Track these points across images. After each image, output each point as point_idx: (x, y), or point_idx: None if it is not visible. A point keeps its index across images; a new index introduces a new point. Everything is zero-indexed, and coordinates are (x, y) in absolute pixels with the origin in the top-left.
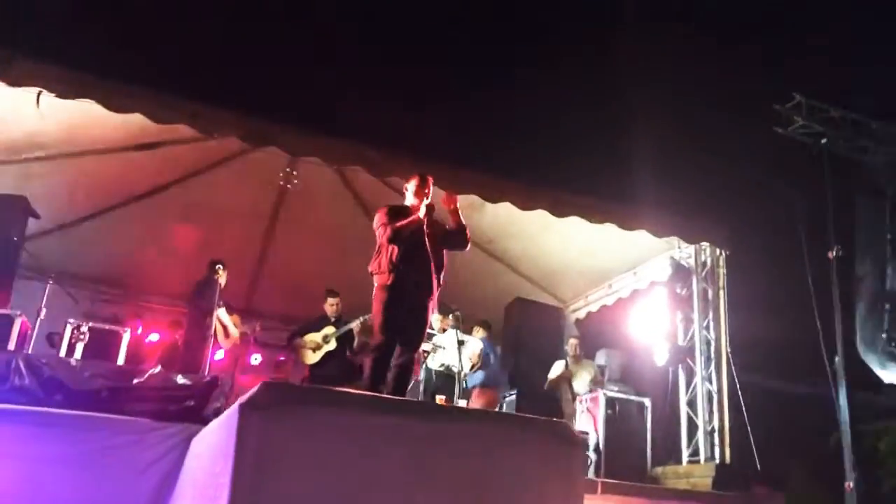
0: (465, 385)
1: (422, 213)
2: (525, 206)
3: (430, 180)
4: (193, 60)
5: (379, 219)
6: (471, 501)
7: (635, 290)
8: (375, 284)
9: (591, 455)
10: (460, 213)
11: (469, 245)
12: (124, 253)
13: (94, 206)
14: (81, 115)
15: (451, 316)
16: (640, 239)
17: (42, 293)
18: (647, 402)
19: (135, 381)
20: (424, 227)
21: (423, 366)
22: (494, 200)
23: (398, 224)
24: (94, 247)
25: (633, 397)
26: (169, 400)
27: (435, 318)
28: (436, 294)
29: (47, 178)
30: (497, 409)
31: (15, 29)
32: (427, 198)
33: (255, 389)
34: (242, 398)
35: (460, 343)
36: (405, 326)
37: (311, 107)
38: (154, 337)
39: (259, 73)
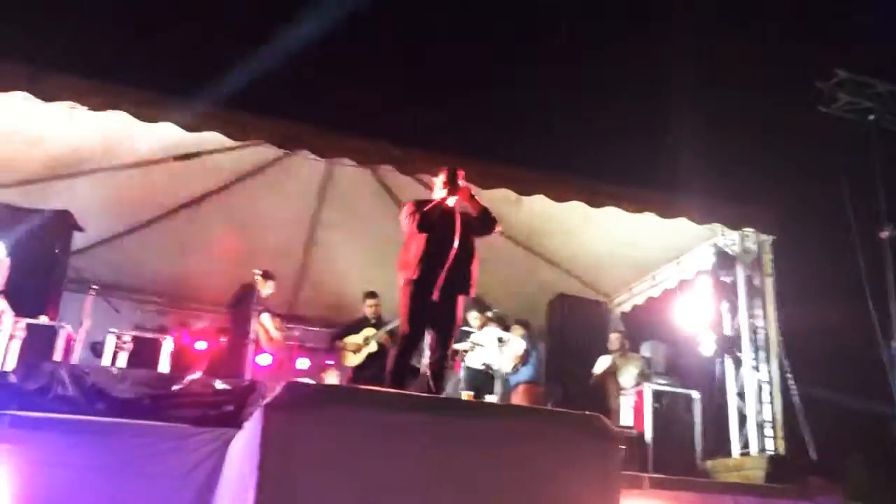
0: (508, 383)
1: (451, 202)
2: (559, 197)
3: (461, 174)
4: (221, 68)
5: (406, 210)
6: (502, 499)
7: (681, 280)
8: (402, 279)
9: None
10: (478, 199)
11: (497, 226)
12: (170, 263)
13: (138, 218)
14: (120, 128)
15: (488, 313)
16: (683, 227)
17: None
18: (695, 394)
19: (175, 387)
20: (455, 219)
21: (463, 364)
22: (527, 193)
23: (425, 208)
24: (140, 258)
25: (680, 390)
26: (208, 405)
27: (473, 316)
28: (468, 287)
29: (91, 193)
30: (538, 404)
31: (45, 45)
32: (456, 191)
33: (278, 390)
34: (267, 399)
35: (500, 340)
36: (437, 319)
37: (339, 108)
38: (202, 344)
39: (286, 78)
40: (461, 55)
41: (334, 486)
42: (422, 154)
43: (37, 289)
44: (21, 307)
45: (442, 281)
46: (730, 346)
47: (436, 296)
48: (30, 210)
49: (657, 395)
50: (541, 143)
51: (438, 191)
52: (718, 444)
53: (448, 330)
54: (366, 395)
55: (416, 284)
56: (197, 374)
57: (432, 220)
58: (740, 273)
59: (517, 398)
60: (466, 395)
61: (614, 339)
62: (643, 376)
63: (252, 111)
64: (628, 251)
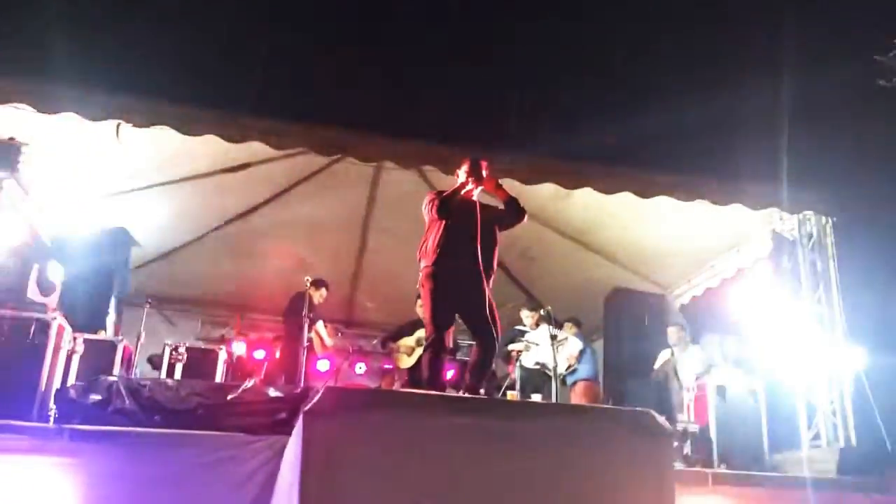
0: (565, 382)
1: (474, 193)
2: (607, 189)
3: (484, 164)
4: (259, 78)
5: (426, 199)
6: (551, 500)
7: (740, 268)
8: (421, 272)
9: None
10: (505, 188)
11: (525, 215)
12: (226, 274)
13: (193, 231)
14: (170, 144)
15: (542, 311)
16: (740, 214)
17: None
18: (761, 386)
19: (229, 397)
20: (475, 209)
21: (518, 364)
22: (573, 187)
23: (444, 194)
24: (197, 270)
25: (743, 382)
26: (262, 413)
27: (526, 315)
28: (492, 276)
29: (146, 209)
30: (595, 402)
31: (88, 66)
32: (481, 181)
33: (318, 396)
34: (307, 405)
35: (553, 338)
36: (468, 315)
37: (379, 112)
38: (260, 353)
39: (324, 84)
40: (499, 50)
41: (378, 491)
42: (464, 151)
43: (97, 305)
44: (82, 323)
45: (465, 271)
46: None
47: (460, 288)
48: (87, 228)
49: (720, 389)
50: (586, 134)
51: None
52: (786, 436)
53: (481, 320)
54: (406, 398)
55: (435, 276)
56: (250, 383)
57: (451, 207)
58: (801, 258)
59: (576, 397)
60: (511, 395)
61: (673, 332)
62: (705, 370)
63: (292, 119)
64: (685, 241)
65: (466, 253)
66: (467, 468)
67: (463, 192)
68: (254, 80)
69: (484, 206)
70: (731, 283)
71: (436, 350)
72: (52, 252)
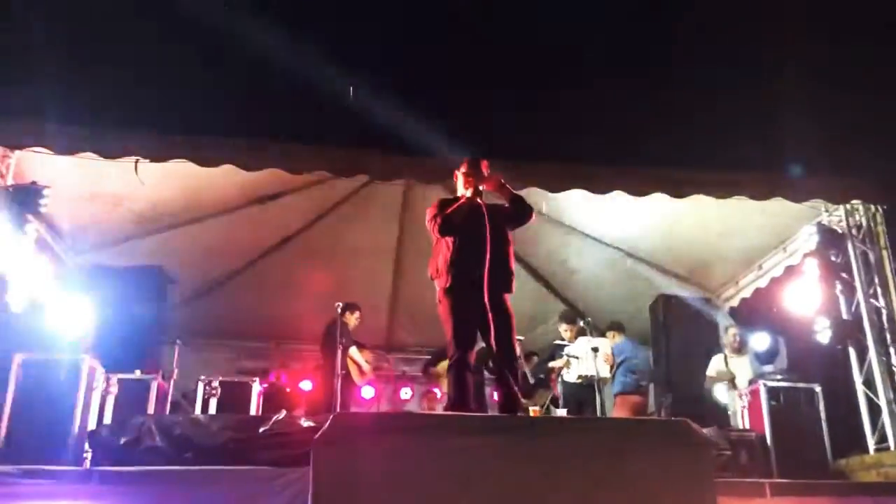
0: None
1: (469, 193)
2: (638, 191)
3: (484, 163)
4: (272, 104)
5: (429, 214)
6: None
7: (788, 266)
8: (438, 292)
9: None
10: (509, 187)
11: (532, 213)
12: (264, 306)
13: (228, 264)
14: (196, 179)
15: (580, 324)
16: (785, 209)
17: (184, 355)
18: (817, 387)
19: (261, 429)
20: (483, 214)
21: (560, 380)
22: (604, 191)
23: (446, 212)
24: (235, 304)
25: (799, 384)
26: (294, 445)
27: (563, 329)
28: (509, 284)
29: (180, 245)
30: (643, 415)
31: (101, 106)
32: (481, 183)
33: (327, 424)
34: (318, 434)
35: (594, 350)
36: (486, 328)
37: (394, 130)
38: (306, 384)
39: (338, 106)
40: (525, 57)
41: None
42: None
43: (133, 344)
44: (119, 363)
45: (482, 283)
46: (850, 331)
47: (478, 302)
48: (123, 268)
49: (774, 392)
50: (611, 136)
51: (461, 187)
52: (851, 440)
53: (506, 335)
54: (418, 420)
55: (453, 294)
56: (282, 415)
57: (454, 223)
58: (852, 251)
59: (617, 410)
60: (533, 410)
61: (726, 336)
62: (758, 374)
63: (307, 143)
64: (729, 242)
65: (481, 264)
66: (485, 489)
67: (466, 198)
68: (268, 107)
69: (491, 209)
70: (780, 282)
71: (460, 369)
72: (84, 292)
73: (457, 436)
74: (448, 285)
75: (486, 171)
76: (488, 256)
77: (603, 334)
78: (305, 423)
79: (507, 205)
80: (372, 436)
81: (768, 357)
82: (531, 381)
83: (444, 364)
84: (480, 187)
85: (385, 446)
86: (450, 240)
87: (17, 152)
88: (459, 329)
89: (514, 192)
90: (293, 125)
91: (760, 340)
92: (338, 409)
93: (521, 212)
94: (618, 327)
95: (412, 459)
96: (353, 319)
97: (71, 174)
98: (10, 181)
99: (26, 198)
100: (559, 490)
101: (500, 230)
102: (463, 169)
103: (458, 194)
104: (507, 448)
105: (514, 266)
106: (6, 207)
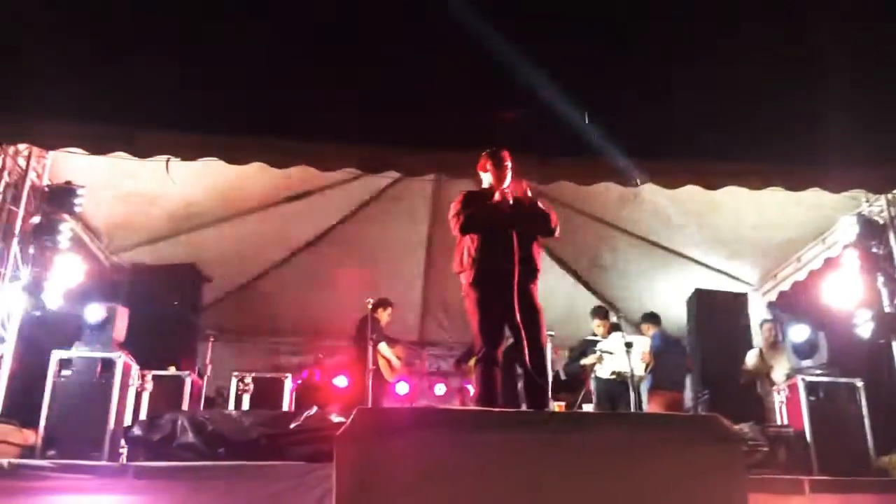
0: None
1: (499, 195)
2: (670, 184)
3: (506, 154)
4: (302, 102)
5: (452, 209)
6: None
7: (828, 258)
8: (463, 287)
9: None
10: (535, 202)
11: (556, 230)
12: (299, 302)
13: (261, 261)
14: (227, 179)
15: (612, 318)
16: (823, 200)
17: (218, 351)
18: (859, 382)
19: (292, 425)
20: (508, 206)
21: (593, 376)
22: (635, 185)
23: (469, 212)
24: (270, 300)
25: (839, 379)
26: (325, 440)
27: (595, 325)
28: (534, 276)
29: (214, 243)
30: (677, 411)
31: (133, 106)
32: (506, 175)
33: (350, 419)
34: (340, 430)
35: (627, 346)
36: (514, 322)
37: (423, 124)
38: (339, 380)
39: (365, 103)
40: (555, 49)
41: None
42: (514, 158)
43: (168, 341)
44: (153, 360)
45: (508, 277)
46: (892, 324)
47: (506, 295)
48: (157, 266)
49: (813, 387)
50: (639, 127)
51: (486, 179)
52: (894, 436)
53: (530, 327)
54: (442, 416)
55: (478, 288)
56: (313, 410)
57: (477, 219)
58: (894, 241)
59: (651, 406)
60: (557, 405)
61: (763, 330)
62: (797, 368)
63: (335, 140)
64: (767, 234)
65: (505, 257)
66: (509, 484)
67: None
68: (297, 104)
69: (518, 201)
70: (820, 274)
71: (487, 365)
72: (119, 290)
73: (480, 431)
74: (473, 279)
75: (507, 162)
76: (514, 250)
77: (637, 328)
78: (336, 418)
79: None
80: (395, 431)
81: (807, 351)
82: (563, 377)
83: (474, 359)
84: (505, 180)
85: (408, 441)
86: (474, 234)
87: (52, 152)
88: (485, 324)
89: (539, 206)
90: (321, 122)
91: (799, 334)
92: (369, 405)
93: (542, 229)
94: (652, 319)
95: (435, 454)
96: (384, 315)
97: (105, 174)
98: (45, 181)
99: (62, 197)
100: (585, 486)
101: (526, 223)
102: (485, 161)
103: (485, 186)
104: (532, 443)
105: (542, 260)
106: (43, 207)
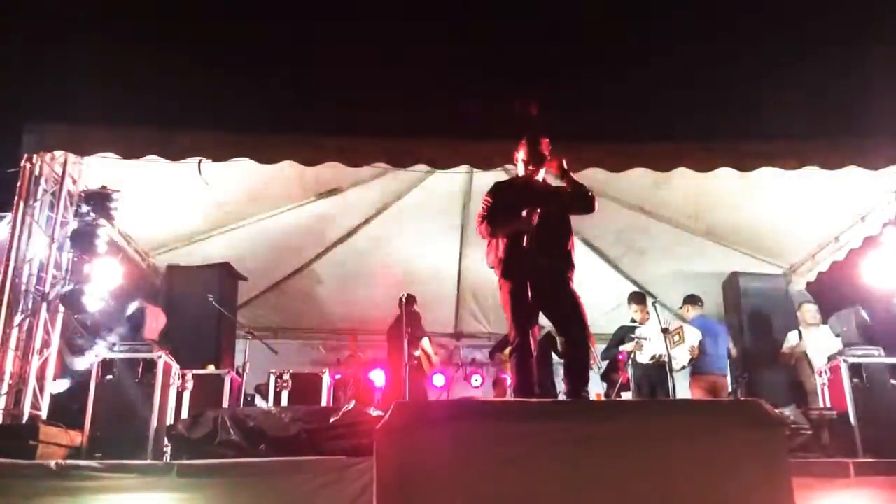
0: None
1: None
2: (701, 167)
3: (544, 142)
4: (329, 97)
5: (481, 205)
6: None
7: (867, 237)
8: (498, 279)
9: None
10: (571, 174)
11: (595, 206)
12: (335, 299)
13: (296, 259)
14: (258, 178)
15: (650, 304)
16: (862, 178)
17: (256, 349)
18: None
19: (331, 419)
20: (542, 199)
21: (630, 362)
22: (667, 168)
23: (496, 226)
24: (304, 297)
25: (883, 359)
26: (365, 434)
27: (634, 310)
28: (569, 267)
29: (248, 242)
30: (719, 395)
31: (164, 108)
32: (542, 163)
33: (388, 413)
34: (379, 424)
35: (664, 331)
36: (552, 311)
37: (451, 118)
38: (377, 374)
39: (392, 95)
40: (579, 35)
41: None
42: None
43: (205, 340)
44: (193, 359)
45: (541, 268)
46: None
47: (540, 287)
48: (193, 267)
49: (856, 369)
50: (672, 111)
51: (521, 168)
52: None
53: (570, 317)
54: (480, 407)
55: (512, 280)
56: (351, 405)
57: (501, 225)
58: None
59: (692, 391)
60: (595, 395)
61: (805, 311)
62: (838, 350)
63: (363, 135)
64: (804, 215)
65: (539, 249)
66: (547, 475)
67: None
68: (324, 101)
69: (551, 192)
70: (859, 253)
71: (522, 354)
72: (157, 292)
73: (518, 421)
74: (506, 271)
75: (546, 151)
76: (543, 240)
77: (675, 313)
78: (375, 412)
79: (568, 191)
80: (432, 423)
81: (848, 332)
82: (599, 365)
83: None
84: (541, 169)
85: (445, 434)
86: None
87: (87, 158)
88: (519, 315)
89: (578, 182)
90: (348, 118)
91: (840, 315)
92: (406, 399)
93: (581, 205)
94: (692, 300)
95: (473, 446)
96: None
97: (139, 176)
98: (81, 186)
99: (98, 202)
100: (625, 476)
101: (559, 215)
102: (522, 148)
103: (520, 174)
104: (570, 433)
105: (577, 248)
106: (80, 212)
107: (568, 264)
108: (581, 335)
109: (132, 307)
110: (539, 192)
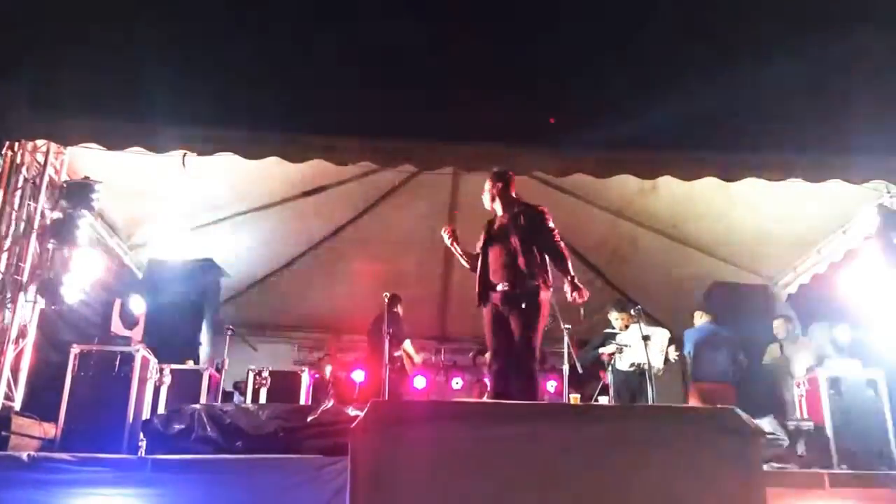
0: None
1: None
2: (687, 175)
3: (512, 175)
4: (316, 96)
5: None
6: None
7: (848, 250)
8: None
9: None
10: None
11: (554, 237)
12: (318, 297)
13: (279, 258)
14: (244, 174)
15: (631, 311)
16: (843, 191)
17: (235, 345)
18: (881, 375)
19: (309, 418)
20: (510, 231)
21: (611, 368)
22: (651, 176)
23: (470, 265)
24: (289, 295)
25: (860, 372)
26: (342, 433)
27: (615, 317)
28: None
29: (231, 238)
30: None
31: (148, 100)
32: (502, 197)
33: (364, 412)
34: (356, 421)
35: (645, 338)
36: (499, 344)
37: (439, 118)
38: (358, 374)
39: (380, 96)
40: (567, 40)
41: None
42: (530, 150)
43: (186, 336)
44: (173, 354)
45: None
46: None
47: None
48: (175, 262)
49: (834, 381)
50: (658, 120)
51: (487, 203)
52: None
53: (516, 333)
54: (456, 409)
55: (481, 304)
56: (329, 404)
57: (478, 257)
58: None
59: (690, 398)
60: (574, 398)
61: (779, 324)
62: (817, 362)
63: (352, 133)
64: (786, 227)
65: (497, 271)
66: (523, 476)
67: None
68: (311, 99)
69: (512, 219)
70: (840, 266)
71: (499, 370)
72: (138, 285)
73: (494, 423)
74: (481, 302)
75: (486, 186)
76: (503, 262)
77: (659, 322)
78: (353, 412)
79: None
80: (408, 423)
81: (827, 344)
82: (579, 370)
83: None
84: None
85: (421, 434)
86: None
87: (70, 148)
88: (490, 336)
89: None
90: (336, 116)
91: (819, 328)
92: (385, 398)
93: (540, 240)
94: (702, 308)
95: (448, 446)
96: (398, 311)
97: (122, 169)
98: (63, 177)
99: (80, 193)
100: (599, 478)
101: (517, 236)
102: (487, 186)
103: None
104: (546, 435)
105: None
106: (61, 203)
107: (521, 281)
108: (520, 350)
109: (111, 300)
110: (508, 224)
